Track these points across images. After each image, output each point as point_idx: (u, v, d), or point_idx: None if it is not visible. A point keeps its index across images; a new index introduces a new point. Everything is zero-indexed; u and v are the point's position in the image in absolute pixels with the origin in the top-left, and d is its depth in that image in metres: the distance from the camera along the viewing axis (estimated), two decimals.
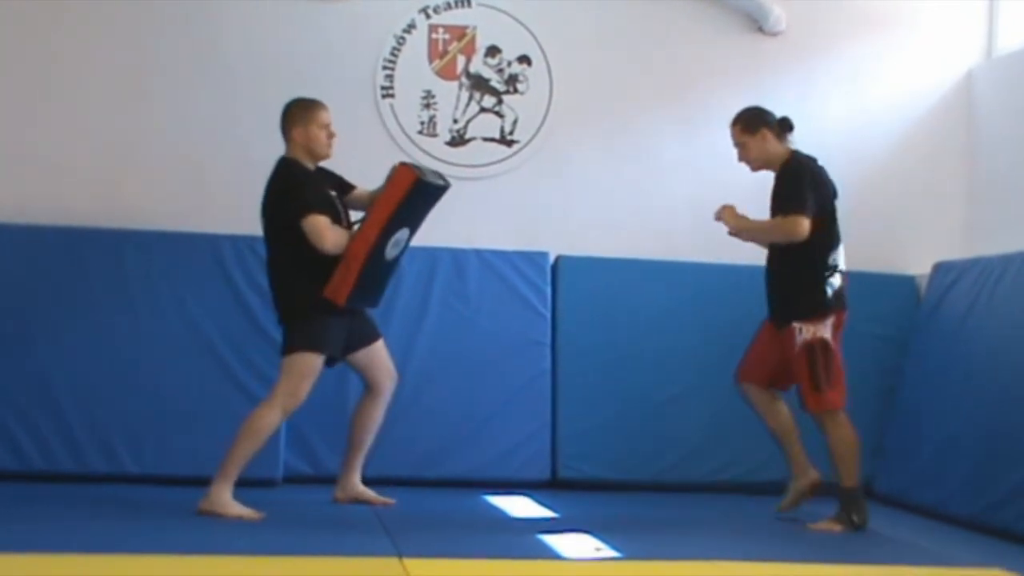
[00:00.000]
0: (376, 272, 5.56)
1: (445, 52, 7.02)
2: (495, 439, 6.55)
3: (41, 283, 6.27)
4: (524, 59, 7.07)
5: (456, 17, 7.03)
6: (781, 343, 5.65)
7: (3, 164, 6.55)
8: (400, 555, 4.52)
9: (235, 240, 6.33)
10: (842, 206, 7.37)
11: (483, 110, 7.05)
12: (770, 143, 5.73)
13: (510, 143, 7.06)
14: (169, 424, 6.23)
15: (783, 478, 6.38)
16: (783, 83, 7.28)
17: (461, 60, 7.04)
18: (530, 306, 6.71)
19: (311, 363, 5.47)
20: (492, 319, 6.66)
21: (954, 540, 5.61)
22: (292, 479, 6.34)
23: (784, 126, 5.78)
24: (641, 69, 7.15)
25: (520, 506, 6.03)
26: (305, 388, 5.46)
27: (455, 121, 7.02)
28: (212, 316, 6.36)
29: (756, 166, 5.80)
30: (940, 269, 6.82)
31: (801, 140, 7.23)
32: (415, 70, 6.97)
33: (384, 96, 6.95)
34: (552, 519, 5.69)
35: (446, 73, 7.03)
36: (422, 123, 6.98)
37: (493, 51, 7.05)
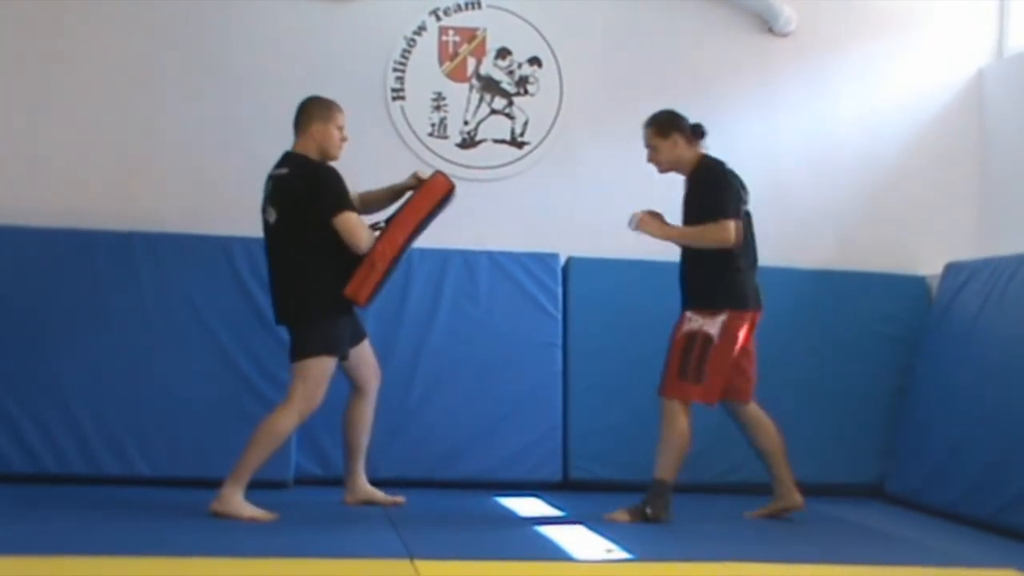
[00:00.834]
0: (392, 274, 5.59)
1: (455, 54, 7.03)
2: (506, 440, 6.56)
3: (52, 286, 6.28)
4: (534, 61, 7.07)
5: (466, 19, 7.03)
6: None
7: (14, 168, 6.58)
8: (411, 556, 4.52)
9: (246, 241, 6.32)
10: (853, 206, 7.39)
11: (493, 112, 7.05)
12: (680, 148, 5.77)
13: (521, 145, 7.06)
14: (180, 426, 6.25)
15: (794, 479, 6.38)
16: (793, 83, 7.29)
17: (471, 62, 7.04)
18: (541, 307, 6.71)
19: (328, 367, 5.47)
20: (503, 321, 6.66)
21: (966, 541, 5.60)
22: (303, 480, 6.35)
23: (697, 132, 5.81)
24: (651, 70, 7.15)
25: (531, 507, 6.04)
26: (322, 392, 5.46)
27: (465, 123, 7.02)
28: (223, 317, 6.37)
29: (665, 168, 5.85)
30: (951, 269, 6.80)
31: (811, 140, 7.29)
32: (425, 72, 6.98)
33: (394, 98, 6.96)
34: (563, 520, 5.69)
35: (456, 75, 7.03)
36: (432, 125, 6.99)
37: (503, 53, 7.06)
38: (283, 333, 5.78)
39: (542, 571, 4.62)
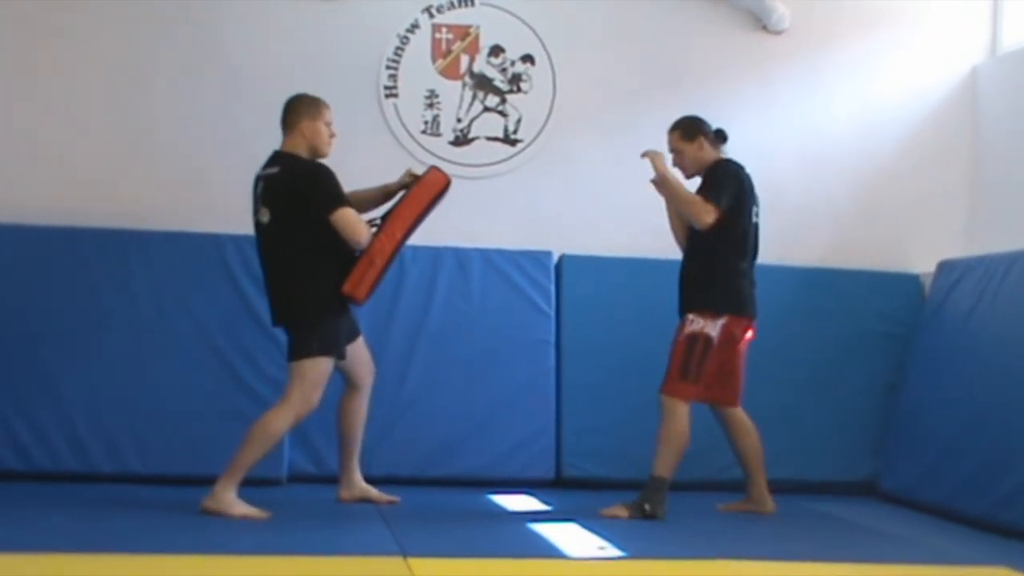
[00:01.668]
0: (388, 271, 5.58)
1: (449, 51, 7.03)
2: (499, 438, 6.56)
3: (45, 284, 6.27)
4: (527, 58, 7.07)
5: (459, 16, 7.03)
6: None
7: (6, 165, 6.56)
8: (404, 554, 4.52)
9: (238, 240, 6.31)
10: (847, 204, 7.39)
11: (487, 109, 7.05)
12: (705, 151, 5.85)
13: (514, 142, 7.06)
14: (173, 423, 6.24)
15: (787, 477, 6.41)
16: (787, 81, 7.29)
17: (465, 59, 7.04)
18: (534, 305, 6.71)
19: (325, 368, 5.46)
20: (496, 318, 6.67)
21: (959, 538, 5.60)
22: (296, 478, 6.34)
23: (719, 137, 5.91)
24: (645, 68, 7.15)
25: (524, 505, 6.03)
26: (319, 393, 5.44)
27: (459, 120, 7.02)
28: (216, 316, 6.37)
29: (691, 173, 5.92)
30: (944, 267, 6.81)
31: (805, 138, 7.29)
32: (419, 70, 6.98)
33: (388, 96, 6.95)
34: (556, 518, 5.68)
35: (449, 72, 7.03)
36: (426, 123, 6.98)
37: (496, 50, 7.05)
38: (277, 331, 5.77)
39: (535, 568, 4.61)
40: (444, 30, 7.02)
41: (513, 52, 7.07)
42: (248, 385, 6.29)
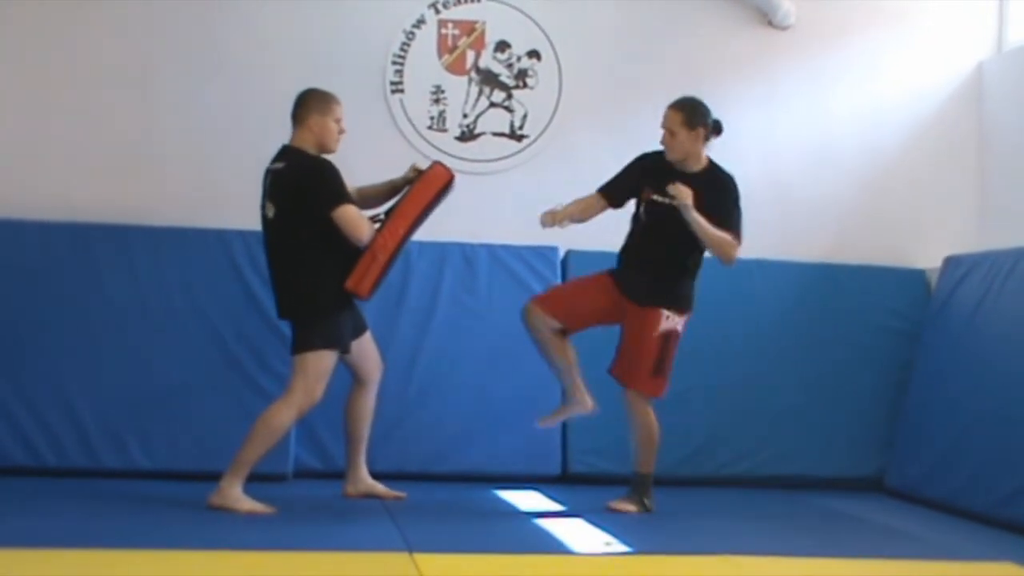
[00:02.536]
0: (393, 266, 5.58)
1: (454, 47, 7.02)
2: (506, 433, 6.55)
3: (52, 280, 6.28)
4: (533, 54, 7.06)
5: (465, 12, 7.02)
6: (628, 314, 5.73)
7: (14, 161, 6.57)
8: (410, 550, 4.52)
9: (245, 235, 6.32)
10: (852, 200, 7.38)
11: (492, 105, 7.05)
12: (700, 143, 5.71)
13: (520, 138, 7.06)
14: (179, 419, 6.24)
15: (794, 472, 6.40)
16: (793, 77, 7.28)
17: (470, 55, 7.04)
18: None
19: (328, 362, 5.46)
20: (502, 314, 6.64)
21: (965, 534, 5.60)
22: (302, 474, 6.35)
23: (716, 129, 5.73)
24: (650, 63, 7.14)
25: (531, 501, 6.03)
26: (322, 387, 5.45)
27: (464, 116, 7.02)
28: (222, 311, 6.37)
29: (677, 156, 5.72)
30: (950, 263, 6.80)
31: (811, 133, 7.28)
32: (425, 65, 6.97)
33: (394, 91, 6.95)
34: (563, 514, 5.69)
35: (455, 68, 7.02)
36: (431, 118, 6.98)
37: (502, 46, 7.05)
38: (283, 326, 5.78)
39: (541, 564, 4.61)
40: (450, 26, 7.02)
41: (519, 48, 7.06)
42: (254, 381, 6.29)
